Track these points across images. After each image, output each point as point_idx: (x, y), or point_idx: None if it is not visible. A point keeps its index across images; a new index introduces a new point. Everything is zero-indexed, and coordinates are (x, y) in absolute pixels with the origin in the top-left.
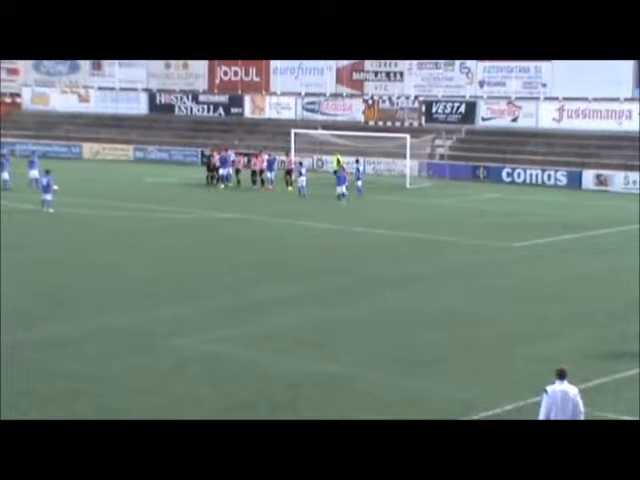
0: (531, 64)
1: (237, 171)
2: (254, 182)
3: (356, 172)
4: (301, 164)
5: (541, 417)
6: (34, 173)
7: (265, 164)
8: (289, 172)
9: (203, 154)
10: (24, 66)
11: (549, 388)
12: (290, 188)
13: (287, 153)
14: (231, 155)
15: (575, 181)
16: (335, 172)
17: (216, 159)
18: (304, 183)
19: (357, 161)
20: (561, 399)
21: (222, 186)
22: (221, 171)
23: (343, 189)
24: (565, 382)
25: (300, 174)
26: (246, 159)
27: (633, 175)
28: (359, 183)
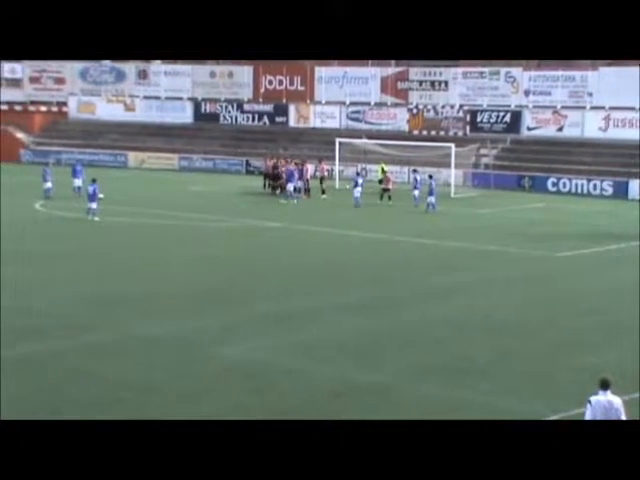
0: (577, 73)
1: (307, 181)
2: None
3: (414, 182)
4: (358, 174)
5: None
6: (77, 182)
7: (310, 173)
8: (322, 180)
9: (264, 164)
10: (71, 75)
11: (593, 399)
12: (324, 196)
13: (320, 161)
14: (295, 169)
15: (621, 191)
16: (380, 181)
17: (283, 170)
18: (359, 194)
19: (415, 171)
20: (605, 409)
21: (283, 201)
22: (289, 186)
23: (432, 199)
24: (609, 392)
25: (356, 184)
26: (317, 167)
27: None
28: (416, 193)
